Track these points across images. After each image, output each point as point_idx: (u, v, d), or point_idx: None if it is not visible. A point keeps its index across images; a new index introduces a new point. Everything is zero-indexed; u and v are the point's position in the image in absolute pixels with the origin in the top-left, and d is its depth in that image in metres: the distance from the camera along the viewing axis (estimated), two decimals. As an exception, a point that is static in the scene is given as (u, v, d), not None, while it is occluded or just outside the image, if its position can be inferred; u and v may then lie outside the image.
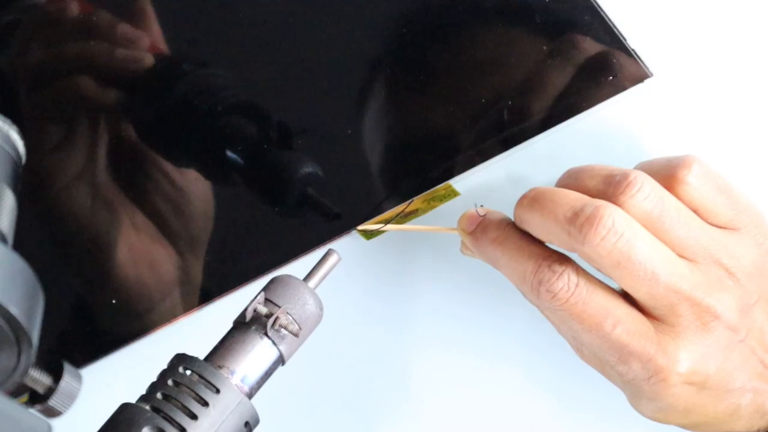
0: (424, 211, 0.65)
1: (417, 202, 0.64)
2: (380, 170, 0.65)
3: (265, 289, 0.54)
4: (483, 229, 0.59)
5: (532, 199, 0.57)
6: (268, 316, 0.53)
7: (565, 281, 0.55)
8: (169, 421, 0.49)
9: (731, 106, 0.64)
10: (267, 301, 0.53)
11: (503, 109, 0.64)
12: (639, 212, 0.55)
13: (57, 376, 0.42)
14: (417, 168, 0.64)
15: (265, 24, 0.64)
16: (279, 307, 0.53)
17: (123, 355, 0.64)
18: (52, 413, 0.42)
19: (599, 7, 0.63)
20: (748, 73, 0.64)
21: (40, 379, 0.42)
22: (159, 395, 0.50)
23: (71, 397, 0.43)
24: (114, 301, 0.63)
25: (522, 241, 0.57)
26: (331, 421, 0.68)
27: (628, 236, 0.54)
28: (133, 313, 0.63)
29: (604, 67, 0.63)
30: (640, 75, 0.63)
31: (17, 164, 0.45)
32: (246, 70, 0.64)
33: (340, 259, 0.56)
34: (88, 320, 0.65)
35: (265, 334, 0.53)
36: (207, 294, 0.64)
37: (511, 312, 0.68)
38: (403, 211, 0.64)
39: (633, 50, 0.63)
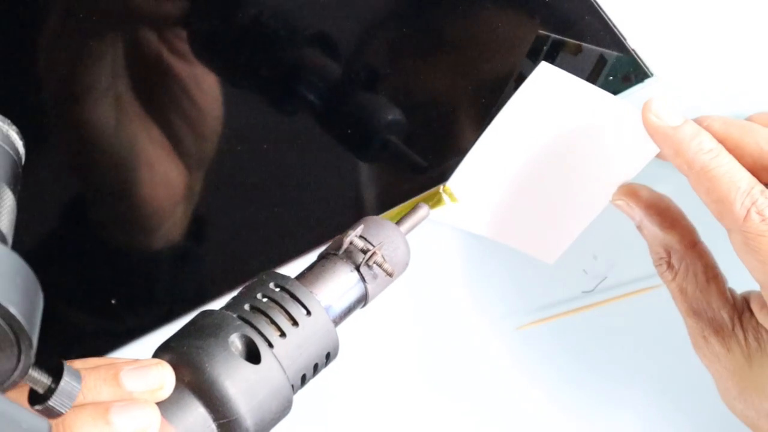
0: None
1: (427, 197, 0.64)
2: (380, 171, 0.65)
3: (358, 226, 0.52)
4: (695, 135, 0.56)
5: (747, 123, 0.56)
6: (364, 251, 0.51)
7: None
8: (258, 333, 0.47)
9: (731, 106, 0.64)
10: (361, 237, 0.52)
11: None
12: None
13: (57, 376, 0.42)
14: (416, 169, 0.64)
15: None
16: (373, 245, 0.51)
17: (123, 354, 0.64)
18: (52, 413, 0.42)
19: (599, 7, 0.63)
20: (748, 72, 0.64)
21: (40, 379, 0.42)
22: (247, 306, 0.48)
23: (71, 397, 0.43)
24: (114, 301, 0.63)
25: (735, 161, 0.56)
26: (330, 421, 0.68)
27: None
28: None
29: (604, 67, 0.63)
30: (640, 75, 0.63)
31: (17, 164, 0.45)
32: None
33: (429, 214, 0.55)
34: (88, 320, 0.65)
35: (357, 268, 0.51)
36: (204, 296, 0.64)
37: (510, 309, 0.68)
38: (400, 212, 0.64)
39: (633, 50, 0.63)
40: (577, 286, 0.68)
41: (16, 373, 0.40)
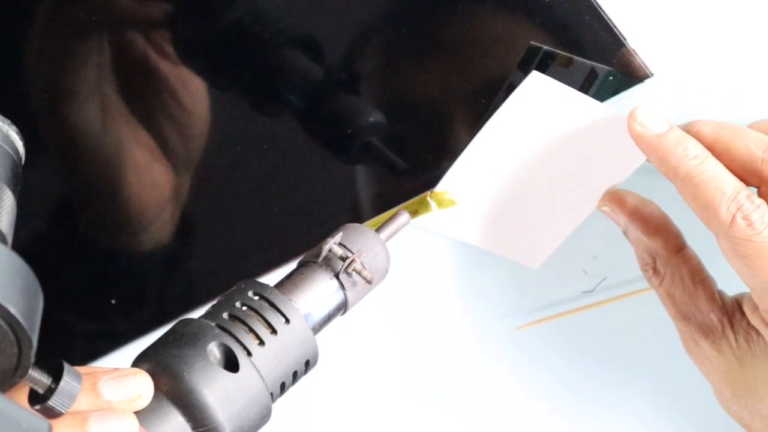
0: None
1: (415, 203, 0.64)
2: (364, 179, 0.65)
3: (337, 233, 0.52)
4: (680, 142, 0.55)
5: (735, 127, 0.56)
6: (343, 258, 0.51)
7: (762, 213, 0.54)
8: (237, 341, 0.47)
9: (731, 106, 0.64)
10: (340, 245, 0.52)
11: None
12: None
13: (57, 376, 0.42)
14: (398, 171, 0.64)
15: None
16: (352, 252, 0.51)
17: (123, 354, 0.64)
18: (52, 413, 0.42)
19: (599, 7, 0.63)
20: (748, 72, 0.64)
21: (40, 379, 0.42)
22: (225, 315, 0.48)
23: (71, 397, 0.43)
24: (114, 302, 0.63)
25: (721, 165, 0.55)
26: (328, 422, 0.68)
27: None
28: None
29: (595, 81, 0.63)
30: (640, 75, 0.63)
31: (17, 164, 0.45)
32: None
33: (409, 221, 0.55)
34: (88, 320, 0.65)
35: (336, 276, 0.51)
36: (185, 305, 0.64)
37: (510, 309, 0.68)
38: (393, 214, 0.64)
39: (633, 50, 0.63)
40: (577, 286, 0.68)
41: (17, 373, 0.40)
